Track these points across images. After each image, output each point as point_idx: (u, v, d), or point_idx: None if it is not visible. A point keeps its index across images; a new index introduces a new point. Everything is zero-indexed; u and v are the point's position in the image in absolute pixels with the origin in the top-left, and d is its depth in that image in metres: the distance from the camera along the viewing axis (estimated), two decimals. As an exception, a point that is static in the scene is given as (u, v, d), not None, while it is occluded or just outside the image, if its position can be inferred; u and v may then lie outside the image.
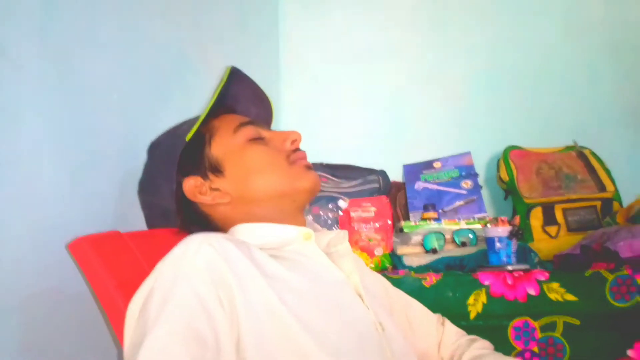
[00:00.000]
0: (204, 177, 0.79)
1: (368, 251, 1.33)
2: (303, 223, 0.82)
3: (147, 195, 0.85)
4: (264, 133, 0.83)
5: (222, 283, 0.59)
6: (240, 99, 0.91)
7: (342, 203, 1.42)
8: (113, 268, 0.67)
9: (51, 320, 0.71)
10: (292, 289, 0.65)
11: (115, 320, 0.66)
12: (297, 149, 0.83)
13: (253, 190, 0.78)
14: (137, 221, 0.86)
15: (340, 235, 0.82)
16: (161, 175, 0.80)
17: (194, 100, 1.17)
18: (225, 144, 0.80)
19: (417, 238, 1.29)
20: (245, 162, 0.79)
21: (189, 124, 0.81)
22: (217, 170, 0.79)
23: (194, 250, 0.61)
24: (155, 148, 0.86)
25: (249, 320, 0.59)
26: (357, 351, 0.64)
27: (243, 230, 0.78)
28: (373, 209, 1.40)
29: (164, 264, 0.61)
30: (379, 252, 1.33)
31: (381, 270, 1.26)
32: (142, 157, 0.87)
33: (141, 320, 0.56)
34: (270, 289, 0.63)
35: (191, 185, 0.77)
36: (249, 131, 0.81)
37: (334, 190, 1.50)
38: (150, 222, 0.87)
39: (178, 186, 0.78)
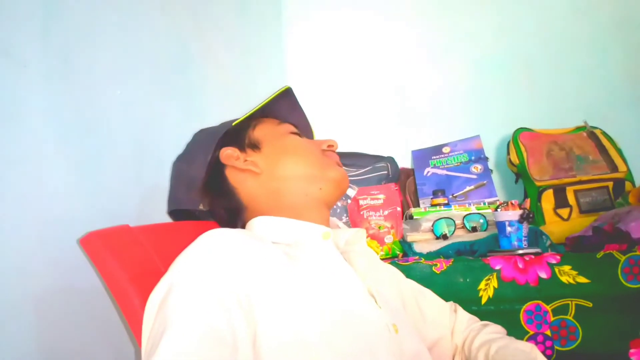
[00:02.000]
0: (242, 149, 0.84)
1: (378, 239, 1.33)
2: (326, 220, 0.83)
3: (181, 163, 0.90)
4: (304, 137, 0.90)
5: (240, 281, 0.59)
6: (289, 120, 0.96)
7: (351, 191, 1.42)
8: (124, 262, 0.68)
9: (64, 315, 0.72)
10: (306, 289, 0.66)
11: (128, 314, 0.67)
12: (332, 151, 0.89)
13: (284, 168, 0.81)
14: (145, 216, 0.87)
15: (358, 235, 0.83)
16: (200, 148, 0.86)
17: (197, 93, 1.17)
18: (268, 129, 0.86)
19: (427, 224, 1.29)
20: (283, 144, 0.84)
21: (238, 119, 0.87)
22: (255, 146, 0.84)
23: (214, 247, 0.61)
24: (202, 131, 0.92)
25: (266, 320, 0.59)
26: (367, 354, 0.65)
27: (261, 224, 0.79)
28: (382, 196, 1.39)
29: (183, 260, 0.61)
30: (388, 239, 1.33)
31: (391, 257, 1.26)
32: (147, 152, 0.88)
33: (160, 317, 0.57)
34: (286, 289, 0.63)
35: (228, 153, 0.83)
36: (291, 127, 0.88)
37: (342, 179, 1.50)
38: (173, 191, 0.90)
39: (213, 157, 0.82)
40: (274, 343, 0.59)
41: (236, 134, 0.85)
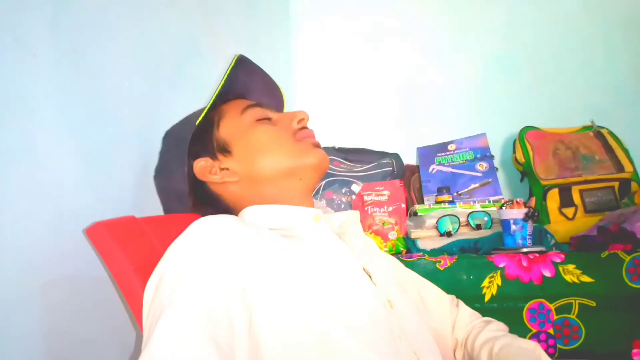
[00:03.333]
0: (213, 157, 0.80)
1: (382, 235, 1.33)
2: (311, 204, 0.83)
3: (161, 179, 0.87)
4: (272, 115, 0.84)
5: (233, 265, 0.60)
6: (252, 89, 0.92)
7: (356, 187, 1.42)
8: (130, 252, 0.69)
9: (71, 304, 0.73)
10: (303, 268, 0.66)
11: (133, 304, 0.67)
12: (305, 128, 0.83)
13: (260, 169, 0.79)
14: (151, 207, 0.88)
15: (351, 217, 0.83)
16: (173, 159, 0.83)
17: (204, 87, 1.17)
18: (233, 125, 0.82)
19: (431, 221, 1.29)
20: (251, 141, 0.80)
21: (200, 111, 0.83)
22: (225, 150, 0.80)
23: (205, 233, 0.62)
24: (169, 135, 0.89)
25: (262, 303, 0.60)
26: (368, 328, 0.65)
27: (253, 213, 0.79)
28: (386, 192, 1.39)
29: (175, 247, 0.62)
30: (392, 235, 1.33)
31: (395, 254, 1.26)
32: (154, 144, 0.88)
33: (155, 304, 0.57)
34: (280, 269, 0.63)
35: (201, 166, 0.79)
36: (256, 112, 0.83)
37: (347, 174, 1.50)
38: (166, 206, 0.88)
39: (189, 168, 0.79)
40: (273, 326, 0.59)
41: (203, 137, 0.81)
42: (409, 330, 0.72)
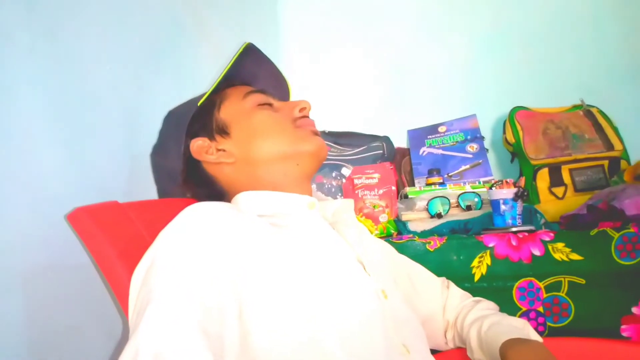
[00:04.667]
0: (211, 138, 0.81)
1: (373, 218, 1.32)
2: (308, 191, 0.82)
3: (157, 156, 0.87)
4: (274, 102, 0.85)
5: (224, 252, 0.59)
6: (258, 77, 0.92)
7: (346, 170, 1.42)
8: (113, 237, 0.68)
9: (55, 292, 0.72)
10: (296, 262, 0.65)
11: (117, 289, 0.66)
12: (306, 117, 0.83)
13: (257, 152, 0.79)
14: (135, 192, 0.87)
15: (345, 205, 0.82)
16: (171, 137, 0.83)
17: (188, 69, 1.15)
18: (234, 108, 0.82)
19: (421, 203, 1.28)
20: (251, 124, 0.80)
21: (204, 94, 0.83)
22: (223, 131, 0.80)
23: (196, 219, 0.61)
24: (171, 114, 0.89)
25: (250, 292, 0.59)
26: (359, 318, 0.65)
27: (246, 198, 0.78)
28: (377, 175, 1.39)
29: (166, 234, 0.61)
30: (383, 218, 1.33)
31: (386, 236, 1.26)
32: (136, 129, 0.87)
33: (144, 290, 0.56)
34: (272, 259, 0.63)
35: (198, 145, 0.80)
36: (258, 97, 0.83)
37: (337, 158, 1.49)
38: (159, 184, 0.89)
39: (186, 147, 0.80)
40: (261, 306, 0.58)
41: (203, 117, 0.81)
42: (400, 320, 0.72)
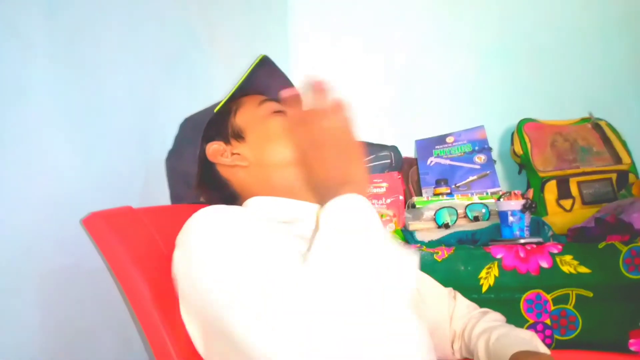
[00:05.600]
0: (226, 142, 0.82)
1: (380, 227, 1.33)
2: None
3: (172, 160, 0.89)
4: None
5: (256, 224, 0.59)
6: (271, 90, 0.93)
7: (354, 179, 1.42)
8: (127, 242, 0.68)
9: (68, 295, 0.73)
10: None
11: (130, 294, 0.67)
12: None
13: (270, 156, 0.80)
14: (149, 197, 0.88)
15: None
16: (187, 141, 0.84)
17: (200, 77, 1.17)
18: (249, 114, 0.84)
19: (429, 213, 1.29)
20: (266, 130, 0.82)
21: (220, 102, 0.85)
22: (239, 136, 0.82)
23: (217, 212, 0.59)
24: (187, 120, 0.90)
25: None
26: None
27: (258, 203, 0.79)
28: (385, 184, 1.40)
29: (194, 226, 0.59)
30: (391, 227, 1.33)
31: (393, 245, 1.26)
32: (151, 135, 0.88)
33: (222, 285, 0.52)
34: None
35: (214, 148, 0.81)
36: (273, 105, 0.85)
37: (345, 167, 1.50)
38: (173, 188, 0.90)
39: (201, 151, 0.81)
40: None
41: (219, 123, 0.83)
42: None
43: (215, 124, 0.83)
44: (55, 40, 0.74)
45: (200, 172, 0.82)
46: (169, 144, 0.90)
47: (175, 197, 0.90)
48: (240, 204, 0.82)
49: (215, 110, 0.82)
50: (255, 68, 0.87)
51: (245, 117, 0.84)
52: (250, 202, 0.80)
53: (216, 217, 0.59)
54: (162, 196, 0.90)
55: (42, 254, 0.69)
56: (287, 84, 0.95)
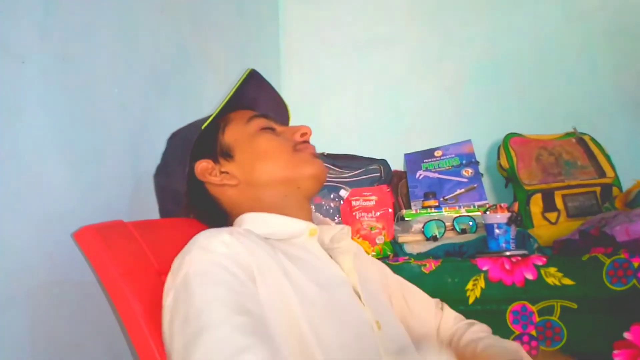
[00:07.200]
0: (215, 160, 0.83)
1: (369, 239, 1.34)
2: (309, 212, 0.84)
3: (161, 178, 0.89)
4: (276, 126, 0.87)
5: (246, 267, 0.63)
6: (259, 102, 0.94)
7: (344, 192, 1.44)
8: (118, 256, 0.69)
9: (58, 309, 0.73)
10: (300, 284, 0.68)
11: (121, 307, 0.68)
12: (307, 141, 0.86)
13: (259, 175, 0.81)
14: (140, 212, 0.88)
15: (343, 232, 0.84)
16: (176, 159, 0.85)
17: (193, 94, 1.18)
18: (237, 131, 0.84)
19: (417, 226, 1.31)
20: (254, 148, 0.82)
21: (207, 117, 0.85)
22: (227, 154, 0.83)
23: (218, 238, 0.65)
24: (174, 136, 0.91)
25: (264, 305, 0.61)
26: (353, 349, 0.66)
27: (250, 219, 0.80)
28: (374, 197, 1.41)
29: (191, 253, 0.64)
30: (380, 240, 1.35)
31: (382, 257, 1.27)
32: (142, 151, 0.89)
33: (182, 307, 0.60)
34: (285, 282, 0.66)
35: (202, 167, 0.82)
36: (261, 122, 0.85)
37: (335, 180, 1.51)
38: (162, 206, 0.90)
39: (190, 169, 0.82)
40: (271, 327, 0.61)
41: (207, 140, 0.83)
42: (394, 350, 0.73)
43: (203, 141, 0.83)
44: (47, 56, 0.75)
45: (189, 191, 0.83)
46: (159, 160, 0.91)
47: (164, 212, 0.90)
48: (231, 222, 0.83)
49: (202, 127, 0.82)
50: (243, 82, 0.87)
51: (234, 134, 0.84)
52: (245, 218, 0.80)
53: (207, 263, 0.63)
54: (151, 212, 0.91)
55: (32, 268, 0.70)
56: (275, 96, 0.96)
